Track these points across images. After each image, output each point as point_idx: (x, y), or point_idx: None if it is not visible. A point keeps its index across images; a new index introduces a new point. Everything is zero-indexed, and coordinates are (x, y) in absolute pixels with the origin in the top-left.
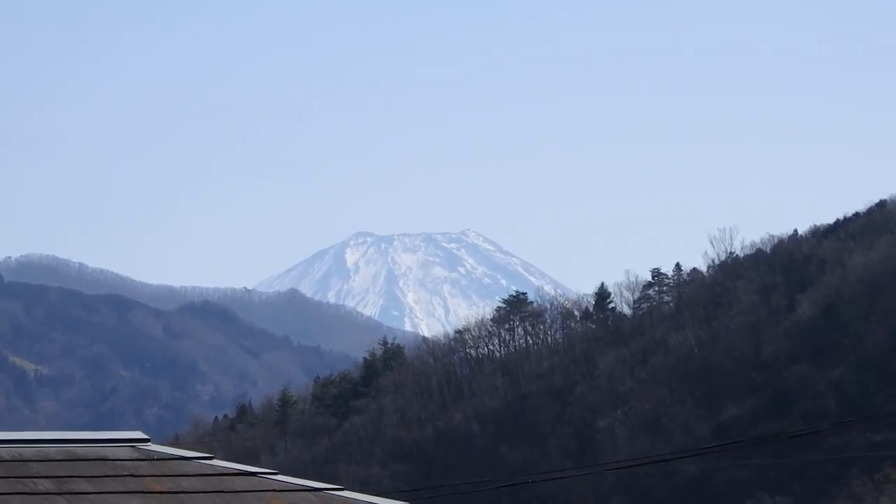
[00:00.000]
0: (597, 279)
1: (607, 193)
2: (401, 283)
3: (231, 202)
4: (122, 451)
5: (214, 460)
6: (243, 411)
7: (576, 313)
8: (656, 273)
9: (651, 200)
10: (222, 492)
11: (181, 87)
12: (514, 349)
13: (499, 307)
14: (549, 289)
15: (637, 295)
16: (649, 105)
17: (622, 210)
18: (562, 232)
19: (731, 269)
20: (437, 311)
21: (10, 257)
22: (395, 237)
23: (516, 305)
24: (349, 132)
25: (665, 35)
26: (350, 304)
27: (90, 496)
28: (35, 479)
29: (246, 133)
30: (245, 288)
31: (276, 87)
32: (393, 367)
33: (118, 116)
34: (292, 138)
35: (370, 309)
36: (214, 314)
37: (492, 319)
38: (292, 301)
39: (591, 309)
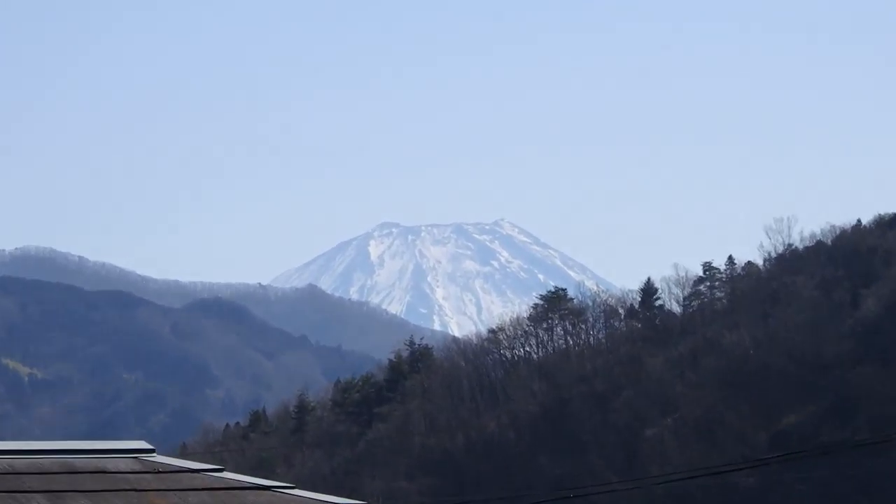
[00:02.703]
0: (642, 274)
1: (653, 182)
2: (429, 278)
3: (245, 192)
4: (124, 463)
5: (225, 473)
6: (257, 418)
7: (620, 311)
8: (708, 267)
9: (701, 189)
10: None
11: (193, 75)
12: (553, 350)
13: (536, 304)
14: (590, 284)
15: (687, 291)
16: (697, 92)
17: (669, 199)
18: (604, 223)
19: (788, 263)
20: (468, 308)
21: (3, 250)
22: (423, 228)
23: (555, 302)
24: (372, 120)
25: (717, 23)
26: (374, 300)
27: None
28: (29, 494)
29: (260, 121)
30: (260, 284)
31: (294, 76)
32: (420, 370)
33: (123, 103)
34: (312, 126)
35: (396, 306)
36: (226, 312)
37: (528, 317)
38: (311, 297)
39: (637, 306)
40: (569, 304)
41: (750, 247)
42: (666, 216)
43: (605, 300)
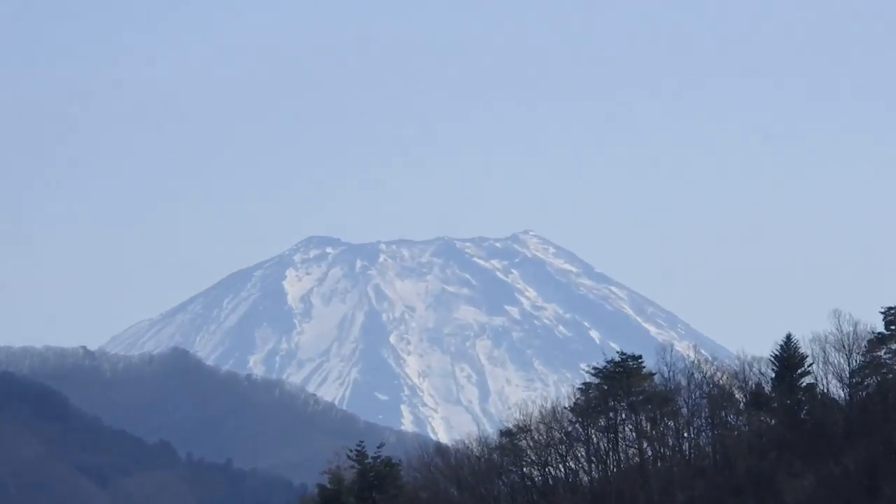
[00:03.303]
0: (773, 329)
1: (778, 192)
2: (393, 338)
3: (65, 206)
4: None
5: None
6: None
7: (737, 396)
8: (893, 315)
9: (862, 209)
10: None
11: None
12: (618, 467)
13: (587, 384)
14: (682, 347)
15: (857, 360)
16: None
17: (808, 219)
18: (698, 245)
19: None
20: (464, 391)
21: None
22: (383, 246)
23: (622, 380)
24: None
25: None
26: (294, 377)
27: None
28: None
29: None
30: (85, 349)
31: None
32: (378, 501)
33: None
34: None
35: (332, 388)
36: (25, 399)
37: (572, 408)
38: (178, 373)
39: (769, 387)
40: (647, 383)
41: None
42: (804, 243)
43: (712, 376)
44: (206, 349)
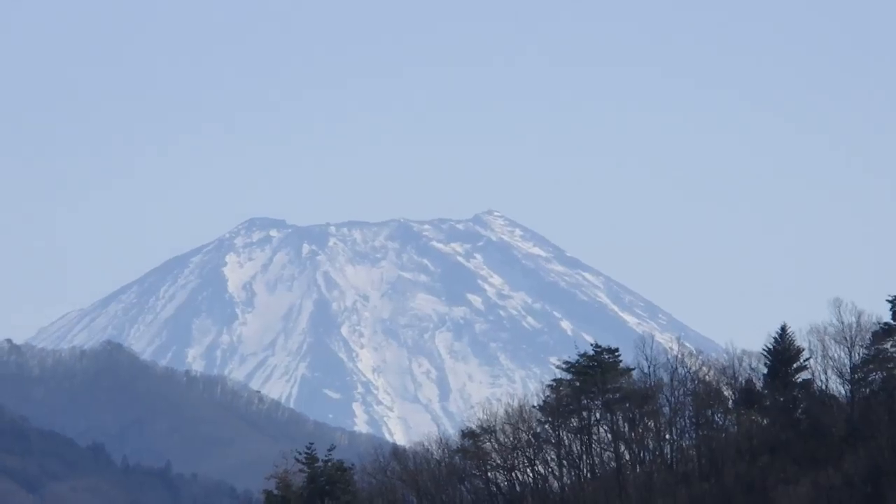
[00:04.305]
0: (765, 320)
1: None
2: (344, 329)
3: None
4: None
5: None
6: None
7: (726, 393)
8: None
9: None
10: None
11: None
12: (593, 473)
13: (557, 380)
14: (664, 338)
15: (860, 354)
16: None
17: (806, 200)
18: (680, 228)
19: None
20: (422, 388)
21: None
22: (332, 228)
23: (596, 376)
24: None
25: None
26: (236, 373)
27: None
28: None
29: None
30: (9, 341)
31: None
32: None
33: None
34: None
35: (278, 385)
36: None
37: (541, 407)
38: (111, 369)
39: (761, 384)
40: (624, 379)
41: None
42: (796, 223)
43: (698, 371)
44: (141, 342)
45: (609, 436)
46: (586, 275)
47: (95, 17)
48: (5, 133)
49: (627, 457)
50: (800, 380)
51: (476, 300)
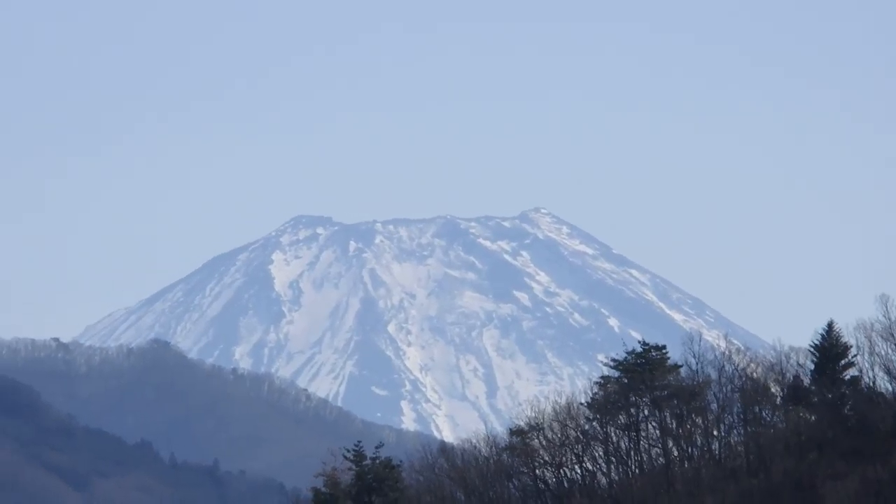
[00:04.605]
0: (813, 316)
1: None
2: (391, 327)
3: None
4: None
5: None
6: None
7: (773, 390)
8: None
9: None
10: None
11: None
12: (641, 467)
13: (605, 377)
14: (711, 336)
15: None
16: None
17: (853, 195)
18: (725, 223)
19: None
20: (469, 384)
21: None
22: (379, 226)
23: (642, 373)
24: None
25: None
26: (284, 371)
27: None
28: None
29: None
30: (57, 340)
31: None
32: None
33: None
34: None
35: (326, 382)
36: None
37: (589, 403)
38: (157, 367)
39: (807, 381)
40: (671, 376)
41: None
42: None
43: (745, 368)
44: (188, 341)
45: (657, 432)
46: (633, 272)
47: (158, 13)
48: (56, 131)
49: (675, 453)
50: (847, 377)
51: (523, 297)
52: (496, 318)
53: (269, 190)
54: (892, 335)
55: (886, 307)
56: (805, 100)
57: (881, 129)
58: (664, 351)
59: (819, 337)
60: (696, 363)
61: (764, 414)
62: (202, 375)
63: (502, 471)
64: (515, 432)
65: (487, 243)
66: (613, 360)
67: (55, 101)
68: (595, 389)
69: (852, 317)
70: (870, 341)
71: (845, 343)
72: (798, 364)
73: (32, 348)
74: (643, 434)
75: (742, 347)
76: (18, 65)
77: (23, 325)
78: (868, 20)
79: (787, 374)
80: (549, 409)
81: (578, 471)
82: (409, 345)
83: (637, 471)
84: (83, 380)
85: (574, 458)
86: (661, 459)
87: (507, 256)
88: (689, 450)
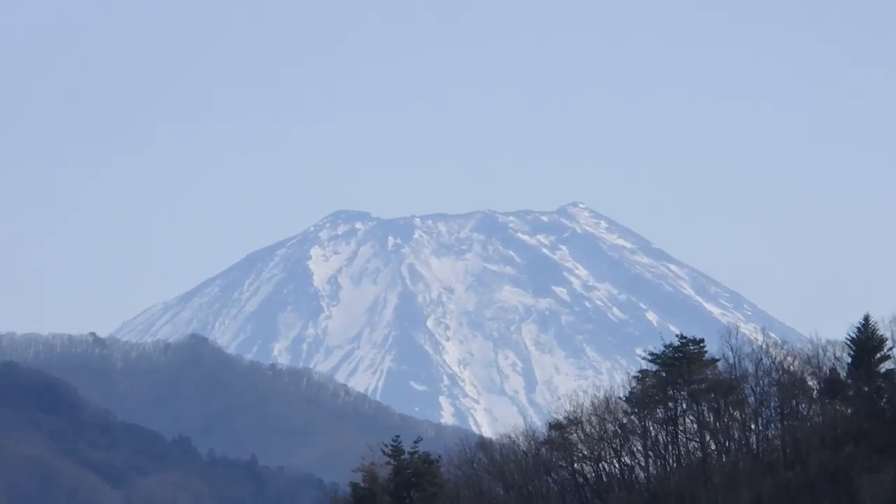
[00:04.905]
0: (850, 309)
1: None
2: (430, 322)
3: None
4: None
5: None
6: None
7: (811, 384)
8: None
9: None
10: None
11: None
12: (679, 461)
13: (643, 371)
14: (748, 329)
15: None
16: None
17: (886, 189)
18: (762, 217)
19: None
20: (508, 379)
21: None
22: (417, 220)
23: (679, 367)
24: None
25: None
26: (322, 366)
27: None
28: None
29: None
30: (94, 335)
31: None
32: (416, 500)
33: None
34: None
35: (365, 377)
36: (30, 390)
37: (627, 397)
38: (195, 362)
39: (844, 374)
40: (709, 370)
41: None
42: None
43: (782, 361)
44: (226, 336)
45: (695, 426)
46: (671, 266)
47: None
48: (96, 128)
49: (713, 446)
50: (883, 370)
51: (561, 292)
52: (535, 313)
53: (307, 185)
54: None
55: None
56: (837, 93)
57: None
58: (702, 345)
59: (855, 330)
60: (734, 357)
61: (800, 407)
62: (240, 371)
63: (541, 465)
64: (554, 427)
65: (526, 238)
66: (651, 354)
67: (96, 100)
68: (633, 383)
69: (888, 310)
70: None
71: (881, 336)
72: (834, 357)
73: (69, 344)
74: (681, 428)
75: (779, 341)
76: (65, 58)
77: (60, 321)
78: None
79: (824, 368)
80: (587, 404)
81: (617, 465)
82: (448, 339)
83: (675, 464)
84: (120, 375)
85: (612, 452)
86: (699, 453)
87: (545, 251)
88: (727, 443)
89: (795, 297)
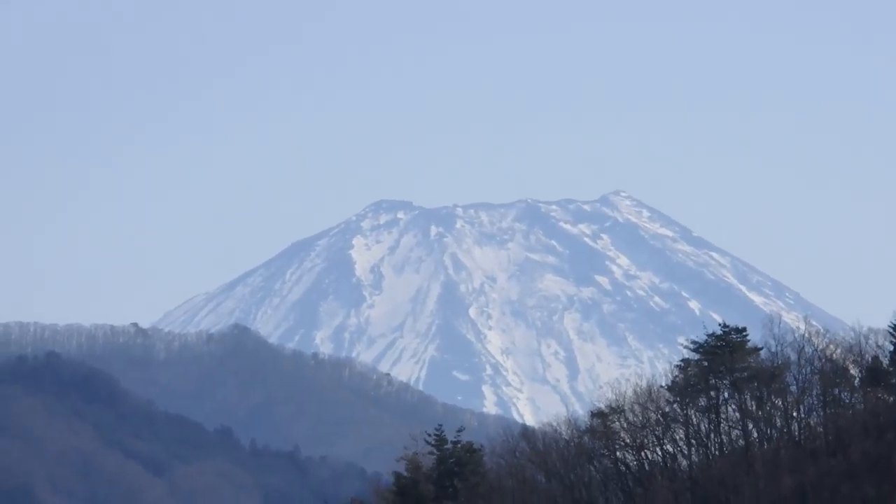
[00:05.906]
0: (893, 297)
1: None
2: (472, 311)
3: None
4: None
5: None
6: None
7: (852, 371)
8: None
9: None
10: None
11: None
12: (721, 449)
13: (685, 360)
14: (791, 318)
15: None
16: None
17: None
18: (805, 205)
19: None
20: (550, 368)
21: None
22: (459, 209)
23: (722, 355)
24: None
25: None
26: (365, 355)
27: None
28: None
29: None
30: (136, 325)
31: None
32: (459, 490)
33: None
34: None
35: (408, 367)
36: (73, 381)
37: (669, 385)
38: (237, 352)
39: (886, 362)
40: (751, 359)
41: None
42: None
43: (824, 349)
44: (268, 326)
45: (737, 414)
46: (713, 255)
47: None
48: (134, 118)
49: (755, 434)
50: None
51: (603, 281)
52: (577, 302)
53: (349, 175)
54: None
55: None
56: (879, 78)
57: None
58: (744, 333)
59: None
60: (776, 345)
61: (843, 396)
62: (283, 361)
63: (583, 454)
64: (596, 415)
65: (568, 227)
66: (693, 342)
67: (138, 88)
68: (675, 372)
69: None
70: None
71: None
72: (877, 345)
73: (111, 334)
74: (723, 416)
75: (821, 329)
76: (106, 53)
77: (102, 312)
78: None
79: (866, 356)
80: (629, 392)
81: (659, 453)
82: (491, 328)
83: (717, 452)
84: (162, 366)
85: (655, 440)
86: (741, 441)
87: (587, 240)
88: (769, 431)
89: (838, 285)
